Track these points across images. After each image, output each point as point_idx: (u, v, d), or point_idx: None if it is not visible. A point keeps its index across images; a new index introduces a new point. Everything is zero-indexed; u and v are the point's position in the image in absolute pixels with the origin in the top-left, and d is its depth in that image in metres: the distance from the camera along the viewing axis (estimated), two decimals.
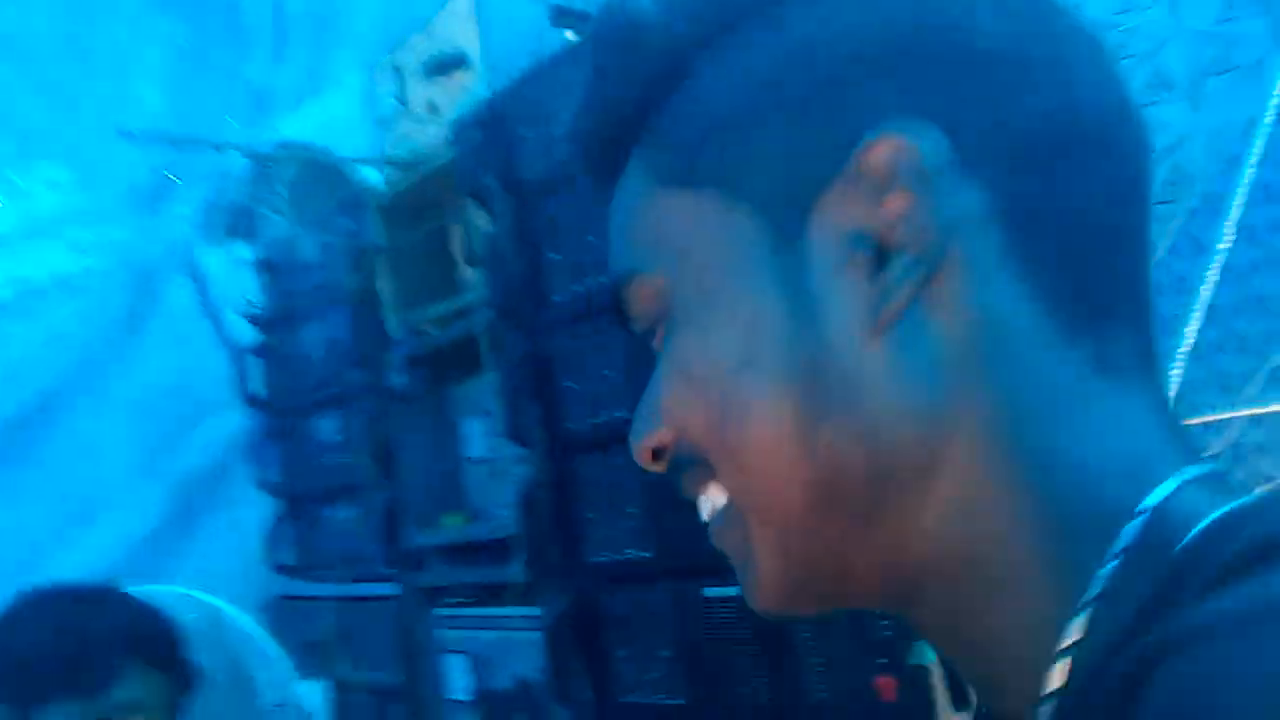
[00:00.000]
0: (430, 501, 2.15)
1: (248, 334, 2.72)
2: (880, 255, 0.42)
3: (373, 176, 2.25)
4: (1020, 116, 0.43)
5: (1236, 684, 0.30)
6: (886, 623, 1.34)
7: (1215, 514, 0.37)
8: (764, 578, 0.46)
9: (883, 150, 0.41)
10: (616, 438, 1.70)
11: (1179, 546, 0.37)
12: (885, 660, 1.33)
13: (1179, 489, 0.39)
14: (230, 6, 2.59)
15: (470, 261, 2.21)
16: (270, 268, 2.68)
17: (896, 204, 0.41)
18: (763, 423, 0.44)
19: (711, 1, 0.47)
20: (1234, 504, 0.38)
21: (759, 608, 0.48)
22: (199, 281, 2.88)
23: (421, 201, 2.23)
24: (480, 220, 2.18)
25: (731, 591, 1.55)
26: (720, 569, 1.73)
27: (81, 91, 2.13)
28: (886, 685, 1.33)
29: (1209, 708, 0.30)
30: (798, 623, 1.44)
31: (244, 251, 2.89)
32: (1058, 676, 0.38)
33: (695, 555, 1.59)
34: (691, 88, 0.47)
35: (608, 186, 0.51)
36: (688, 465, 0.47)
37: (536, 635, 1.82)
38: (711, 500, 0.48)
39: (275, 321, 2.65)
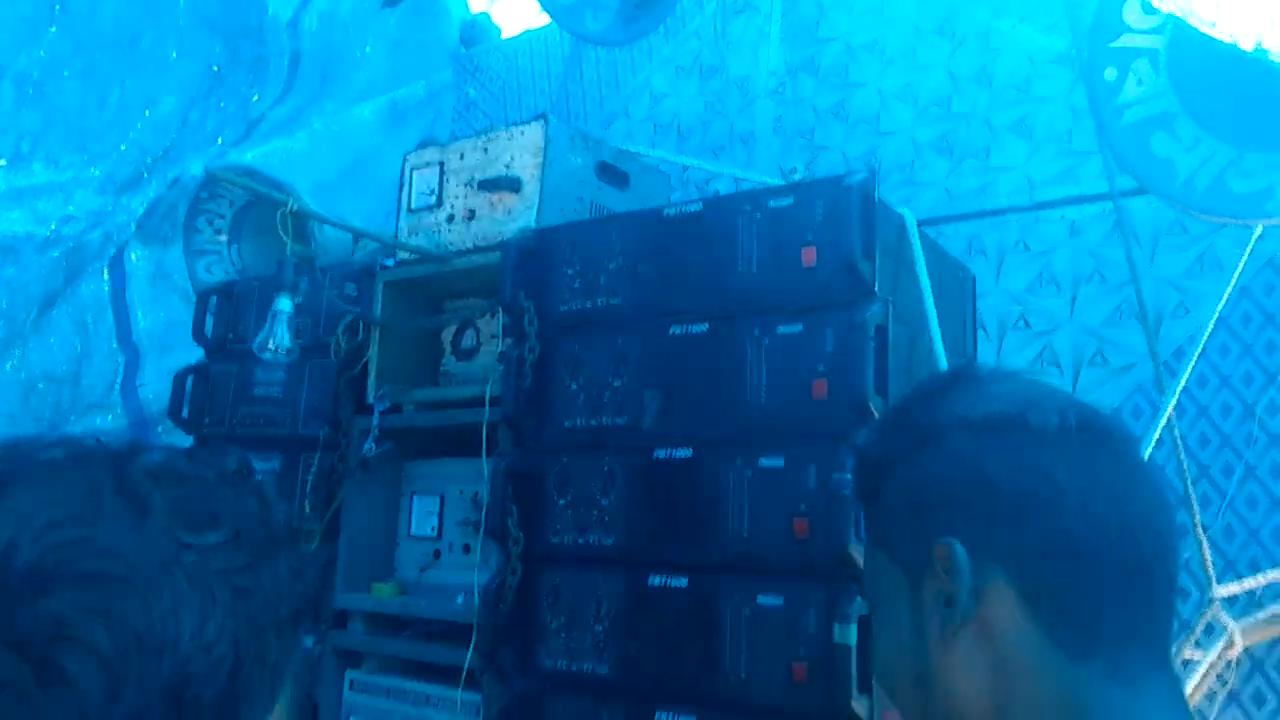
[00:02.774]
0: (365, 567, 2.24)
1: (195, 351, 2.69)
2: (948, 603, 0.78)
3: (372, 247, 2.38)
4: (1031, 535, 0.78)
5: None
6: (814, 617, 1.61)
7: None
8: None
9: (941, 552, 0.78)
10: (595, 558, 1.93)
11: None
12: (804, 649, 1.60)
13: None
14: (258, 37, 2.68)
15: (459, 357, 2.38)
16: (227, 293, 2.69)
17: (946, 580, 0.78)
18: (900, 683, 0.83)
19: (888, 450, 0.86)
20: None
21: None
22: (117, 278, 2.80)
23: (429, 291, 2.39)
24: (486, 326, 2.37)
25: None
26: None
27: (114, 85, 2.14)
28: (799, 669, 1.60)
29: None
30: (729, 608, 1.72)
31: (180, 262, 2.86)
32: None
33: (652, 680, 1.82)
34: (884, 491, 0.86)
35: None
36: None
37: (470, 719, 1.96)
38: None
39: (221, 347, 2.65)
